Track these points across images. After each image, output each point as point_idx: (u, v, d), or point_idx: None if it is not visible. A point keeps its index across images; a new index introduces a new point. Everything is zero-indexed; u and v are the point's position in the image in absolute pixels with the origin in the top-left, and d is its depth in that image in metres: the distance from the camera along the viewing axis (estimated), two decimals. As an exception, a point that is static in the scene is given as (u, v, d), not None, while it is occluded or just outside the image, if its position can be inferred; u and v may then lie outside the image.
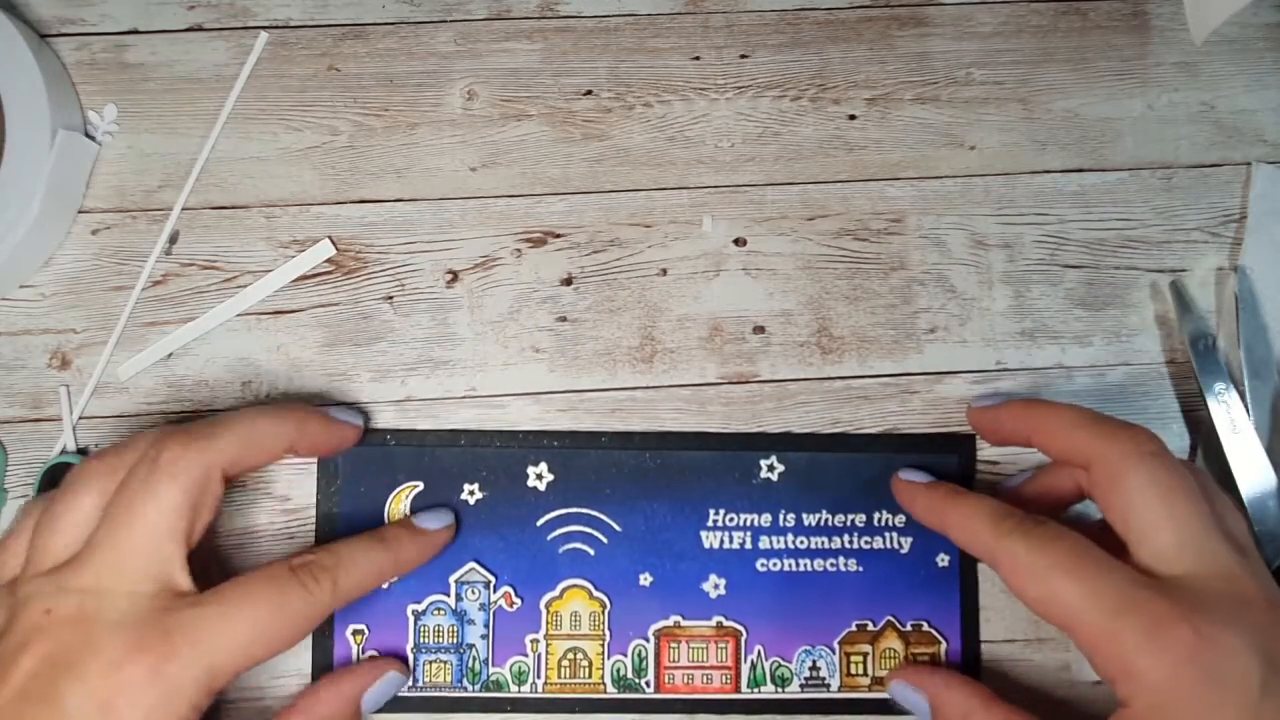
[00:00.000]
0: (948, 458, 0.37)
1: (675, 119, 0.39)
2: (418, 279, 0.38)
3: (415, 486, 0.37)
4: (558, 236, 0.39)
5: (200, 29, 0.39)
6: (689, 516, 0.37)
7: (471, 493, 0.37)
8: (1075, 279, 0.39)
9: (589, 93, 0.39)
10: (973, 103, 0.39)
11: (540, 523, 0.37)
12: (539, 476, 0.37)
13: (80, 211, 0.38)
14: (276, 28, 0.39)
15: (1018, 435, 0.34)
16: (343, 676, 0.34)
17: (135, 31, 0.39)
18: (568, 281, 0.39)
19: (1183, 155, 0.39)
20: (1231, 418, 0.36)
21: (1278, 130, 0.39)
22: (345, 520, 0.37)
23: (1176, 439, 0.38)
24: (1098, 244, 0.39)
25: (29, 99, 0.36)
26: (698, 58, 0.39)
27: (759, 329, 0.38)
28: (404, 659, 0.36)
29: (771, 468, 0.37)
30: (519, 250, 0.39)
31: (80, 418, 0.38)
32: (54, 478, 0.37)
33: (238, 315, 0.38)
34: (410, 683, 0.36)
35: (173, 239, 0.38)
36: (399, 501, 0.37)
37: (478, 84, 0.39)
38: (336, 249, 0.38)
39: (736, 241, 0.39)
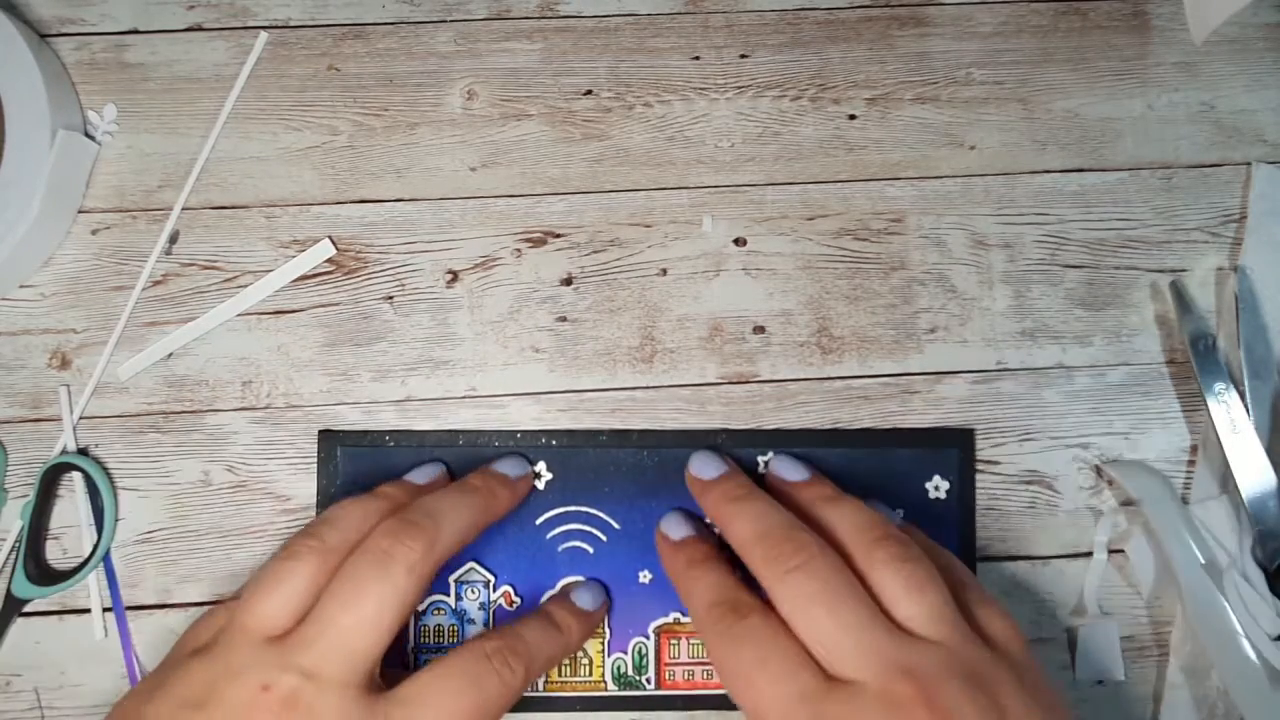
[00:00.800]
0: (948, 452, 0.37)
1: (675, 119, 0.39)
2: (418, 279, 0.38)
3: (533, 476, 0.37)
4: (558, 236, 0.39)
5: (200, 29, 0.39)
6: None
7: None
8: (1075, 279, 0.39)
9: (589, 93, 0.39)
10: (973, 103, 0.39)
11: (539, 521, 0.37)
12: (537, 475, 0.37)
13: (80, 211, 0.38)
14: (276, 28, 0.39)
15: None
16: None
17: (135, 31, 0.39)
18: (568, 281, 0.39)
19: (1183, 155, 0.39)
20: (1231, 418, 0.36)
21: (1278, 130, 0.39)
22: None
23: (1176, 439, 0.38)
24: (1098, 244, 0.39)
25: (29, 99, 0.36)
26: (698, 58, 0.39)
27: (759, 329, 0.38)
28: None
29: (768, 464, 0.37)
30: (519, 250, 0.39)
31: (80, 418, 0.38)
32: (53, 478, 0.37)
33: (238, 315, 0.38)
34: None
35: (173, 239, 0.38)
36: None
37: (478, 84, 0.39)
38: (336, 249, 0.38)
39: (736, 241, 0.39)
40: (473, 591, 0.37)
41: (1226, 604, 0.35)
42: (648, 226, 0.39)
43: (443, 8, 0.39)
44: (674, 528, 0.35)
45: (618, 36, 0.39)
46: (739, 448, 0.37)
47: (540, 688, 0.36)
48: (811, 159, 0.39)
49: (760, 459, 0.37)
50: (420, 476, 0.35)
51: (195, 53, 0.39)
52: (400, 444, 0.37)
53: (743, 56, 0.39)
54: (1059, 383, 0.38)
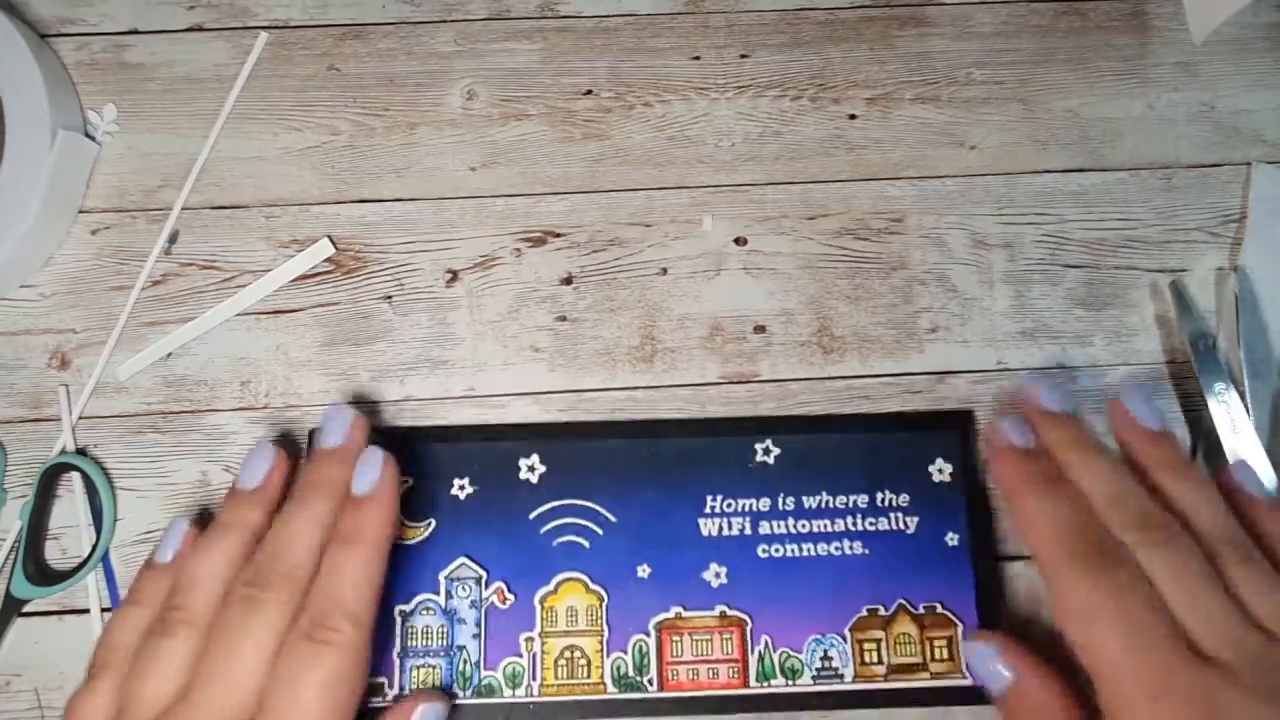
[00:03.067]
0: (949, 434, 0.37)
1: (675, 119, 0.39)
2: (417, 278, 0.38)
3: (404, 483, 0.36)
4: (558, 236, 0.39)
5: (200, 29, 0.39)
6: (686, 504, 0.36)
7: (462, 488, 0.36)
8: (1075, 279, 0.39)
9: (589, 93, 0.39)
10: (973, 103, 0.39)
11: (533, 516, 0.36)
12: (531, 469, 0.37)
13: (80, 211, 0.38)
14: (276, 28, 0.39)
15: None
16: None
17: (135, 31, 0.39)
18: (567, 281, 0.38)
19: (1183, 155, 0.39)
20: (1231, 418, 0.36)
21: (1278, 130, 0.39)
22: None
23: (1177, 439, 0.38)
24: (1098, 244, 0.39)
25: (29, 99, 0.36)
26: (698, 58, 0.39)
27: (760, 328, 0.38)
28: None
29: (767, 451, 0.37)
30: (519, 250, 0.39)
31: (80, 418, 0.37)
32: (52, 478, 0.37)
33: (237, 315, 0.38)
34: (394, 692, 0.35)
35: (172, 239, 0.38)
36: None
37: (478, 84, 0.39)
38: (336, 248, 0.38)
39: (737, 241, 0.39)
40: (464, 589, 0.35)
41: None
42: (648, 226, 0.39)
43: (443, 8, 0.39)
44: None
45: (618, 36, 0.39)
46: (739, 436, 0.37)
47: (535, 692, 0.35)
48: (812, 159, 0.39)
49: (758, 445, 0.37)
50: (253, 478, 0.33)
51: (195, 53, 0.39)
52: (388, 440, 0.36)
53: (743, 56, 0.39)
54: (1059, 383, 0.38)
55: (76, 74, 0.39)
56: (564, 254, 0.39)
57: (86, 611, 0.36)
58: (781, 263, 0.39)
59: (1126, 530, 0.29)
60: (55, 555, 0.37)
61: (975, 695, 0.35)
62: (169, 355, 0.38)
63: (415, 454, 0.37)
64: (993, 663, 0.32)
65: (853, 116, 0.39)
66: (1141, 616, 0.28)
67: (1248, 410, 0.36)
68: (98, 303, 0.38)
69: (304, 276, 0.38)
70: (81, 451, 0.37)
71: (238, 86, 0.39)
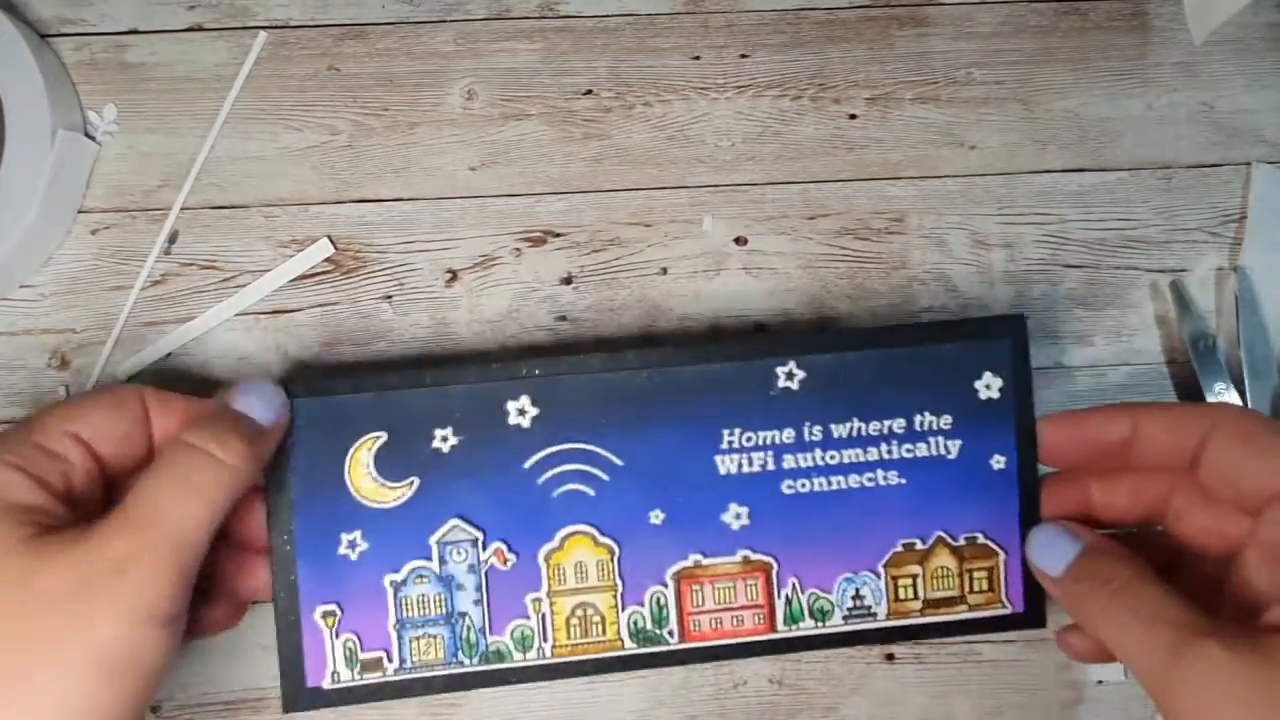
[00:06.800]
0: (999, 344, 0.33)
1: (675, 118, 0.39)
2: (417, 278, 0.38)
3: (378, 437, 0.32)
4: (557, 236, 0.39)
5: (200, 29, 0.39)
6: (699, 440, 0.33)
7: (444, 439, 0.33)
8: (1075, 279, 0.39)
9: (589, 92, 0.39)
10: (973, 103, 0.39)
11: (528, 465, 0.33)
12: (521, 412, 0.33)
13: (80, 211, 0.38)
14: (276, 28, 0.39)
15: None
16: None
17: (135, 31, 0.39)
18: (567, 281, 0.38)
19: (1183, 155, 0.39)
20: (1232, 417, 0.36)
21: (1278, 130, 0.39)
22: (301, 480, 0.32)
23: (1177, 439, 0.38)
24: (1098, 244, 0.39)
25: (29, 99, 0.36)
26: (698, 57, 0.39)
27: (760, 328, 0.38)
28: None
29: (790, 375, 0.33)
30: (518, 250, 0.39)
31: (79, 417, 0.37)
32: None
33: (236, 315, 0.38)
34: (394, 665, 0.32)
35: (172, 239, 0.38)
36: (359, 455, 0.32)
37: (478, 84, 0.39)
38: (335, 248, 0.38)
39: (737, 241, 0.39)
40: (459, 553, 0.33)
41: (1227, 604, 0.35)
42: (648, 226, 0.39)
43: (443, 8, 0.39)
44: (1051, 555, 0.30)
45: (618, 36, 0.39)
46: (757, 359, 0.33)
47: (547, 654, 0.33)
48: (812, 158, 0.39)
49: (780, 369, 0.33)
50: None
51: (195, 53, 0.39)
52: (358, 389, 0.32)
53: (743, 56, 0.39)
54: (1059, 383, 0.38)
55: (76, 74, 0.39)
56: (564, 254, 0.39)
57: (86, 611, 0.36)
58: (782, 263, 0.39)
59: None
60: (55, 555, 0.37)
61: (1013, 623, 0.33)
62: (169, 355, 0.38)
63: (389, 403, 0.32)
64: (1062, 537, 0.30)
65: (853, 116, 0.39)
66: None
67: (1248, 410, 0.36)
68: (97, 303, 0.38)
69: (303, 276, 0.38)
70: (81, 451, 0.37)
71: (237, 86, 0.39)
